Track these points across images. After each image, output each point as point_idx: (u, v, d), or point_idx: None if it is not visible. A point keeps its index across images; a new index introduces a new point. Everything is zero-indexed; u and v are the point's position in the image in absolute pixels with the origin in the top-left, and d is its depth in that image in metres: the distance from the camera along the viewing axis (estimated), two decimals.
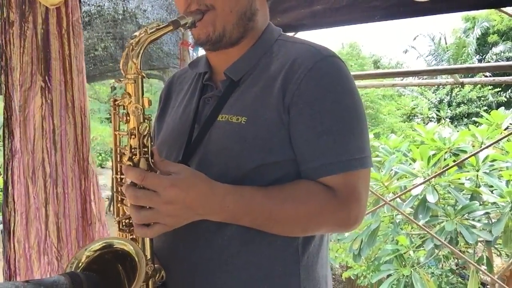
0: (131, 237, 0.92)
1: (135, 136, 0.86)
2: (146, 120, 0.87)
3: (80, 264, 0.88)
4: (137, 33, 0.87)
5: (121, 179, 0.91)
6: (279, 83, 0.93)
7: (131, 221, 0.89)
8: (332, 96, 0.91)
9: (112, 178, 0.93)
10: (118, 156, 0.92)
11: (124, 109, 0.88)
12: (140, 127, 0.86)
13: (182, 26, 0.92)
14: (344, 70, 0.95)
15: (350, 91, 0.94)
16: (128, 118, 0.87)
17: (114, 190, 0.92)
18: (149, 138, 0.87)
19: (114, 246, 0.90)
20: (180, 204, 0.83)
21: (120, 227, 0.91)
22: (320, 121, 0.90)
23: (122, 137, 0.91)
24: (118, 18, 2.49)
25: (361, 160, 0.92)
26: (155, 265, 0.92)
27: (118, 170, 0.91)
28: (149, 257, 0.91)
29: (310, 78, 0.91)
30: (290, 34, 2.66)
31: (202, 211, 0.86)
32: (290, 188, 0.91)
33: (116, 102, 0.90)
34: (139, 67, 0.86)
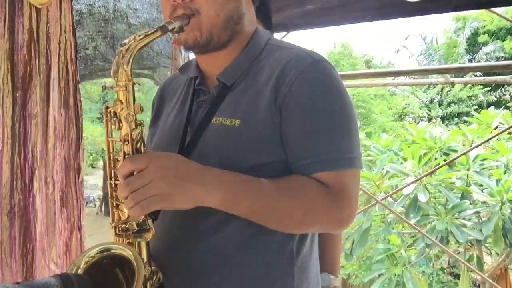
0: (128, 241, 0.92)
1: (128, 142, 0.88)
2: (138, 126, 0.89)
3: (79, 270, 0.89)
4: (126, 40, 0.89)
5: (116, 184, 0.93)
6: (271, 86, 0.95)
7: (127, 226, 0.90)
8: (322, 97, 0.94)
9: (106, 184, 0.95)
10: (112, 162, 0.93)
11: (115, 115, 0.90)
12: (132, 133, 0.88)
13: (170, 31, 0.93)
14: (334, 73, 0.97)
15: (340, 94, 0.96)
16: (120, 124, 0.89)
17: (109, 195, 0.93)
18: (142, 144, 0.89)
19: (112, 251, 0.90)
20: (172, 171, 0.83)
21: (117, 232, 0.92)
22: (310, 121, 0.92)
23: (115, 143, 0.93)
24: (108, 17, 2.48)
25: (350, 160, 0.93)
26: (152, 267, 0.93)
27: (113, 176, 0.93)
28: (145, 260, 0.91)
29: (302, 80, 0.93)
30: (282, 33, 2.67)
31: (198, 181, 0.85)
32: (286, 180, 0.92)
33: (108, 109, 0.92)
34: (130, 74, 0.88)
